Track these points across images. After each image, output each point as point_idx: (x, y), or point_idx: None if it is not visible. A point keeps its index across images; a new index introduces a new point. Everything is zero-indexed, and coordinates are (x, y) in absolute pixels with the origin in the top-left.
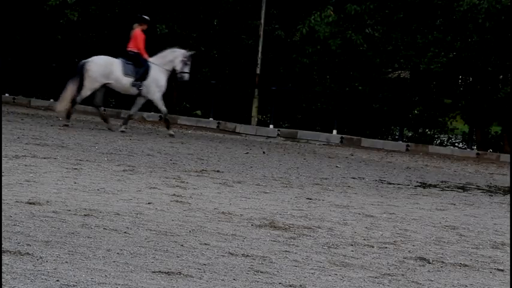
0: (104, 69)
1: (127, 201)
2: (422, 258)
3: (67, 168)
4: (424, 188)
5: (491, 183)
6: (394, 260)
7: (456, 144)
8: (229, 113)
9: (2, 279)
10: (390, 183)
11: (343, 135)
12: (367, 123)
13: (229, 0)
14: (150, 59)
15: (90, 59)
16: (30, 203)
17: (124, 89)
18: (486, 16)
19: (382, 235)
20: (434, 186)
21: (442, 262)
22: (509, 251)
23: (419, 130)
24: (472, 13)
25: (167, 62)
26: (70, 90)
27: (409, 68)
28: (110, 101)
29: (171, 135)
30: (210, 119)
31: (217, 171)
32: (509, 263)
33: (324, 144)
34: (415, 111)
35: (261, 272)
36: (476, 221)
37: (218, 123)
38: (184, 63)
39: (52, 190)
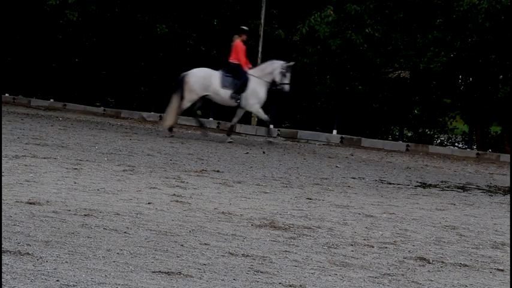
0: (203, 81)
1: (127, 201)
2: (422, 258)
3: (67, 168)
4: (424, 188)
5: (491, 183)
6: (394, 260)
7: (456, 144)
8: (229, 113)
9: (2, 279)
10: (390, 183)
11: (343, 135)
12: (367, 123)
13: (229, 0)
14: (250, 71)
15: (189, 71)
16: (30, 203)
17: (222, 101)
18: (486, 16)
19: (382, 235)
20: (434, 186)
21: (442, 262)
22: (509, 251)
23: (419, 130)
24: (472, 13)
25: (266, 74)
26: (175, 104)
27: (409, 67)
28: (110, 101)
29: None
30: (210, 119)
31: (217, 171)
32: (509, 263)
33: (324, 144)
34: (415, 111)
35: (261, 272)
36: (476, 221)
37: (218, 123)
38: (283, 75)
39: (52, 190)
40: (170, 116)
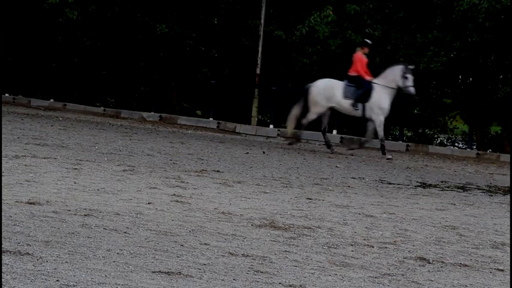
0: (325, 92)
1: (127, 201)
2: (422, 258)
3: (67, 168)
4: (424, 188)
5: (491, 183)
6: (394, 260)
7: (456, 144)
8: (229, 113)
9: (2, 279)
10: (390, 183)
11: (343, 135)
12: (367, 123)
13: (229, 0)
14: (374, 80)
15: (313, 83)
16: (30, 203)
17: (347, 112)
18: (486, 16)
19: (382, 235)
20: (434, 186)
21: (442, 262)
22: (509, 251)
23: (419, 130)
24: (472, 13)
25: (390, 81)
26: (294, 113)
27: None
28: (110, 101)
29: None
30: (210, 119)
31: (217, 171)
32: (509, 263)
33: (324, 144)
34: (415, 111)
35: (261, 272)
36: (476, 221)
37: (218, 123)
38: (405, 78)
39: (52, 190)
40: (290, 125)
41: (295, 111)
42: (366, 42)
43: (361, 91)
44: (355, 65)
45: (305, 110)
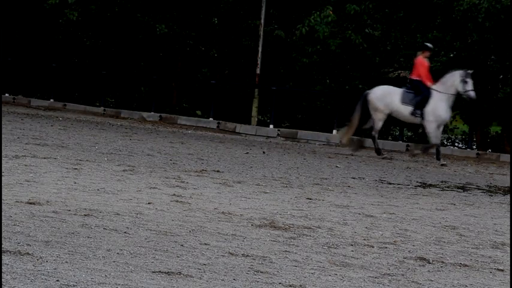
0: (383, 98)
1: (127, 201)
2: (422, 258)
3: (67, 168)
4: (424, 188)
5: (491, 183)
6: (394, 260)
7: (456, 144)
8: (229, 113)
9: (2, 279)
10: (390, 183)
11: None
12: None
13: (229, 0)
14: (433, 86)
15: (371, 90)
16: (30, 203)
17: (405, 118)
18: (486, 16)
19: (382, 235)
20: (434, 186)
21: (442, 262)
22: (509, 251)
23: (419, 130)
24: (472, 13)
25: (449, 87)
26: (354, 121)
27: (409, 67)
28: (110, 101)
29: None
30: (210, 119)
31: (217, 171)
32: (509, 263)
33: (324, 144)
34: None
35: (261, 272)
36: (476, 221)
37: (218, 123)
38: (464, 82)
39: (52, 190)
40: (348, 133)
41: (355, 121)
42: (427, 46)
43: (419, 97)
44: (417, 69)
45: (363, 116)
